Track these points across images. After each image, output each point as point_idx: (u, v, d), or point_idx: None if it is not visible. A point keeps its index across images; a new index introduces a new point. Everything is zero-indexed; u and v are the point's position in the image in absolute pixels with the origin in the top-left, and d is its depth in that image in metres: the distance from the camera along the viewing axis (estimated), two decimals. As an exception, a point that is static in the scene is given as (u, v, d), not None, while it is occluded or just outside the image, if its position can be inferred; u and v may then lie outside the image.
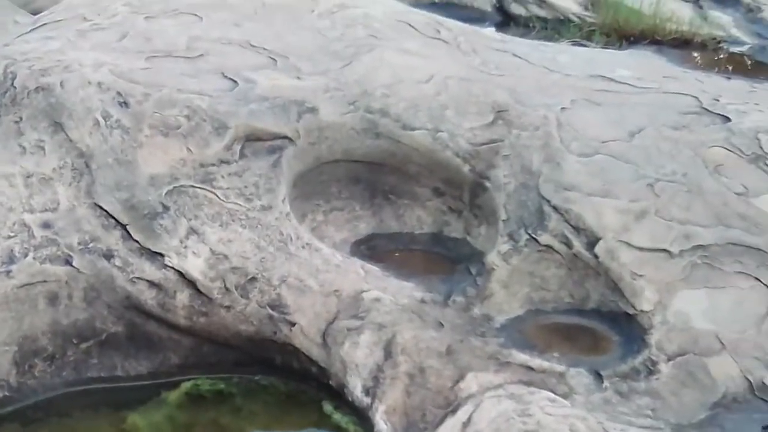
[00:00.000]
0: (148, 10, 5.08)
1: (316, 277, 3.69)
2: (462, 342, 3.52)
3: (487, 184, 4.04)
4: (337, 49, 4.74)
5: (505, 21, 7.08)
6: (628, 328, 3.67)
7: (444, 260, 3.99)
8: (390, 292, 3.69)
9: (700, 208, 3.99)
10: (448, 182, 4.12)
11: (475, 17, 6.88)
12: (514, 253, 3.84)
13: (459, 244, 4.05)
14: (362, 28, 5.07)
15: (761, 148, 4.33)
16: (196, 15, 5.03)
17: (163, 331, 3.69)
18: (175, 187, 3.82)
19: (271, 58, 4.57)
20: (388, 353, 3.47)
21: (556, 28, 6.90)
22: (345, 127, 4.14)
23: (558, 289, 3.81)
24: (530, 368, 3.45)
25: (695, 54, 6.47)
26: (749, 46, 6.75)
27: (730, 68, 6.34)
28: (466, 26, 5.75)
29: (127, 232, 3.70)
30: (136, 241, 3.68)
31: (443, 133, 4.16)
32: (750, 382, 3.52)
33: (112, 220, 3.71)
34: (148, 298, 3.64)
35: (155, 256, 3.67)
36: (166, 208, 3.75)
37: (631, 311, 3.68)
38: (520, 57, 5.21)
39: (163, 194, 3.79)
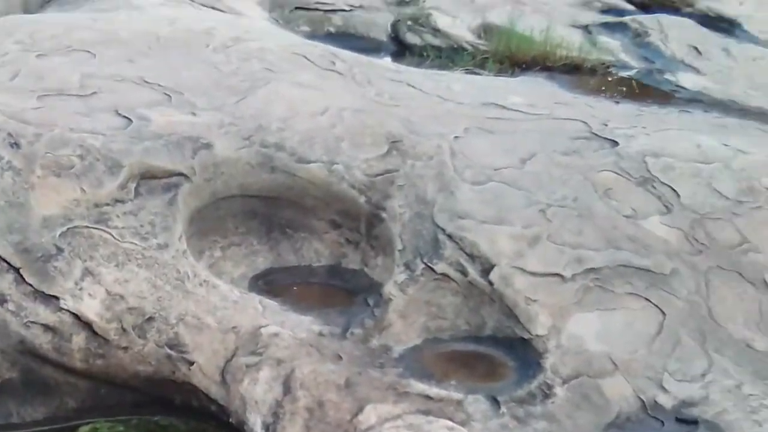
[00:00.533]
0: (40, 47, 5.01)
1: (213, 314, 3.64)
2: (360, 374, 3.51)
3: (383, 214, 4.05)
4: (232, 83, 4.72)
5: (401, 50, 7.10)
6: (523, 353, 3.70)
7: (342, 292, 3.98)
8: (288, 326, 3.66)
9: (591, 231, 4.05)
10: (345, 214, 4.11)
11: (371, 47, 6.91)
12: (411, 282, 3.85)
13: (356, 276, 4.04)
14: (257, 62, 5.07)
15: (648, 170, 4.42)
16: (89, 52, 4.97)
17: (59, 375, 3.60)
18: (69, 228, 3.73)
19: (166, 94, 4.53)
20: (287, 388, 3.44)
21: (450, 56, 6.92)
22: (240, 162, 4.11)
23: (454, 317, 3.82)
24: (428, 397, 3.44)
25: (585, 79, 6.57)
26: (637, 70, 6.87)
27: (621, 91, 6.45)
28: (361, 57, 5.78)
29: (20, 275, 3.60)
30: (30, 285, 3.59)
31: (338, 166, 4.16)
32: (643, 401, 3.57)
33: (5, 264, 3.60)
34: (43, 342, 3.55)
35: (50, 299, 3.58)
36: (60, 249, 3.67)
37: (526, 336, 3.71)
38: (414, 86, 5.25)
39: (57, 236, 3.70)
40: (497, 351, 3.75)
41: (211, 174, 4.05)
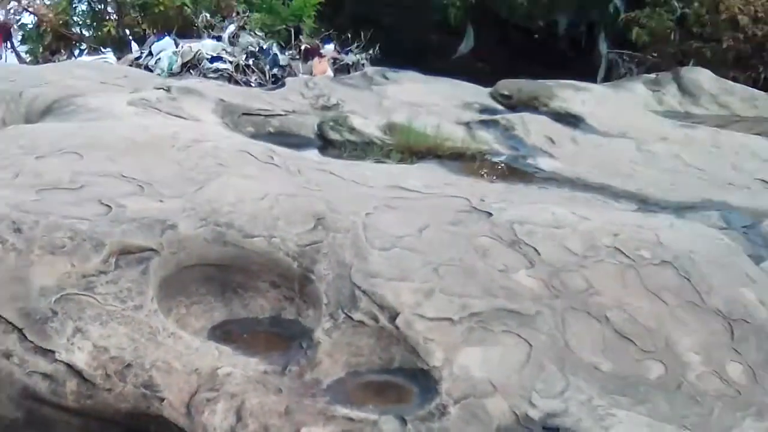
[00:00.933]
0: (39, 150, 4.97)
1: (180, 360, 3.60)
2: (297, 403, 3.49)
3: (312, 276, 4.04)
4: (192, 176, 4.72)
5: (325, 145, 7.12)
6: (424, 381, 3.69)
7: (282, 338, 3.94)
8: (239, 367, 3.63)
9: (473, 284, 4.08)
10: (283, 277, 4.09)
11: (301, 143, 6.94)
12: (335, 329, 3.84)
13: (293, 325, 4.00)
14: (212, 159, 5.07)
15: (516, 235, 4.46)
16: (78, 153, 4.94)
17: (56, 414, 3.51)
18: (62, 295, 3.68)
19: (140, 186, 4.51)
20: (239, 417, 3.41)
21: (363, 149, 6.96)
22: (199, 239, 4.09)
23: (370, 354, 3.80)
24: (350, 419, 3.44)
25: (467, 164, 6.59)
26: (506, 156, 6.90)
27: (495, 173, 6.51)
28: (294, 152, 5.82)
29: (23, 334, 3.53)
30: (31, 342, 3.52)
31: (276, 239, 4.16)
32: (517, 415, 3.59)
33: (10, 326, 3.53)
34: (43, 387, 3.47)
35: (47, 352, 3.51)
36: (55, 313, 3.61)
37: (425, 367, 3.71)
38: (335, 174, 5.28)
39: (53, 302, 3.64)
40: (404, 380, 3.74)
41: (176, 248, 4.03)
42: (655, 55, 15.35)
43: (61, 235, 3.89)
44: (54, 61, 13.25)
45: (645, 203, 5.87)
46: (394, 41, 15.53)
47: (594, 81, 13.27)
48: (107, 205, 4.20)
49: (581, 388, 3.75)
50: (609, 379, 3.84)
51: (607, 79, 15.38)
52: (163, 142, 5.28)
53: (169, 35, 12.96)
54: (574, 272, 4.29)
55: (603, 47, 17.47)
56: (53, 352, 3.52)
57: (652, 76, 9.98)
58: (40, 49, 14.05)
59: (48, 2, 14.78)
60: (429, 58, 16.24)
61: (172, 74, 12.07)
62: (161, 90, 7.26)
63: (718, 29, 14.36)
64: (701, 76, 9.66)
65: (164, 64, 12.40)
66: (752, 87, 10.88)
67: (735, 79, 11.48)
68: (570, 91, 8.66)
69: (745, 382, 3.99)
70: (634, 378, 3.88)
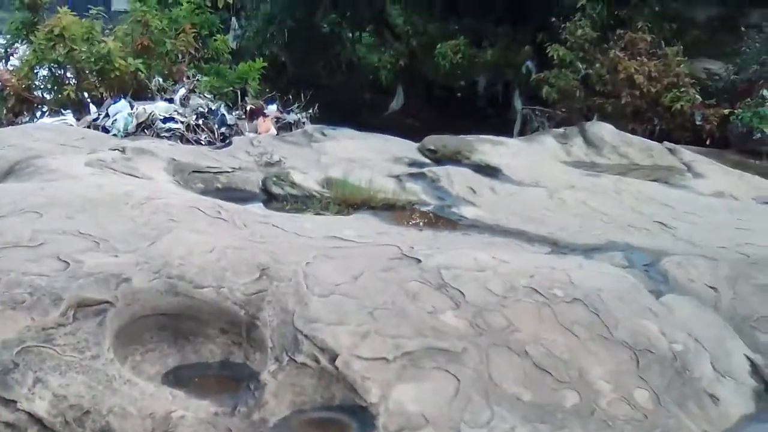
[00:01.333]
0: (0, 211, 4.84)
1: (135, 405, 3.52)
2: (245, 442, 3.45)
3: (258, 323, 4.00)
4: (145, 231, 4.65)
5: (269, 199, 7.04)
6: (362, 416, 3.67)
7: (231, 381, 3.88)
8: (191, 409, 3.57)
9: (405, 326, 4.08)
10: (231, 323, 4.04)
11: (247, 197, 6.87)
12: (280, 371, 3.80)
13: (241, 368, 3.95)
14: (164, 215, 5.00)
15: (443, 279, 4.47)
16: (37, 212, 4.83)
17: (17, 460, 3.41)
18: (23, 347, 3.58)
19: (95, 242, 4.42)
20: (191, 457, 3.35)
21: (303, 202, 6.88)
22: (152, 290, 4.03)
23: (312, 393, 3.77)
24: (295, 455, 3.40)
25: (398, 214, 6.56)
26: (433, 206, 6.87)
27: (423, 222, 6.53)
28: (240, 206, 5.77)
29: (-14, 386, 3.43)
30: (-7, 393, 3.42)
31: (224, 289, 4.11)
32: (447, 445, 3.59)
33: (-27, 379, 3.43)
34: (5, 435, 3.37)
35: (9, 402, 3.40)
36: (16, 364, 3.50)
37: (363, 404, 3.70)
38: (278, 227, 5.26)
39: (14, 354, 3.54)
40: (344, 416, 3.72)
41: (131, 300, 3.96)
42: (564, 110, 15.75)
43: (21, 291, 3.79)
44: (17, 123, 13.01)
45: (557, 246, 5.91)
46: (331, 101, 15.64)
47: (511, 134, 13.50)
48: (65, 261, 4.11)
49: (505, 417, 3.76)
50: (529, 408, 3.86)
51: (522, 132, 15.69)
52: (118, 199, 5.20)
53: (125, 98, 12.83)
54: (496, 311, 4.31)
55: (518, 104, 17.88)
56: (15, 402, 3.41)
57: (561, 130, 10.14)
58: (4, 112, 13.77)
59: (11, 68, 14.52)
60: (363, 115, 16.42)
61: (127, 134, 11.93)
62: (116, 150, 7.15)
63: (617, 87, 14.82)
64: (603, 130, 9.84)
65: (120, 124, 12.24)
66: (648, 138, 11.16)
67: (633, 131, 11.81)
68: (488, 145, 8.75)
69: (651, 407, 4.05)
70: (551, 406, 3.90)
